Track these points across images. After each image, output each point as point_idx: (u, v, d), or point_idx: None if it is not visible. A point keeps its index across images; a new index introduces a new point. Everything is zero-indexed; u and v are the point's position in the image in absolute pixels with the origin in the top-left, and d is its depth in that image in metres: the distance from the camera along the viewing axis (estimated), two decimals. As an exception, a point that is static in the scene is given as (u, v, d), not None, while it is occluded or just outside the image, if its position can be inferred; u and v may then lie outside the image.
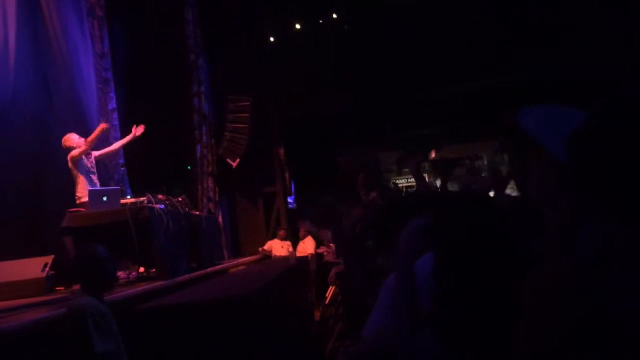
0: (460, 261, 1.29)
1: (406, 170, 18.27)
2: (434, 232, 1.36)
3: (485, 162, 16.90)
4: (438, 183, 16.69)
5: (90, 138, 5.82)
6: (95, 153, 6.01)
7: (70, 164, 5.71)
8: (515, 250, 1.33)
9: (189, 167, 9.90)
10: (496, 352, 1.23)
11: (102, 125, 6.00)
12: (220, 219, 9.51)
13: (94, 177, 5.86)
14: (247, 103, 10.42)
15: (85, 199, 5.45)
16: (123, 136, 6.78)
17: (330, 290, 7.79)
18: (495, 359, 1.24)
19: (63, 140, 5.80)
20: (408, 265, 1.29)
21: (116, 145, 6.41)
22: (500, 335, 1.22)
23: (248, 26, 10.95)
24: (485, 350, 1.24)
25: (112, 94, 7.71)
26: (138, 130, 6.28)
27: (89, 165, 5.83)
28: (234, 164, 10.33)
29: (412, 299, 1.28)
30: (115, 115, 7.64)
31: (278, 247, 10.18)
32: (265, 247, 10.24)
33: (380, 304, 1.46)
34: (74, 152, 5.69)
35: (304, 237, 10.31)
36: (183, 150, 9.74)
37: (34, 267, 4.63)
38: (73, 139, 5.78)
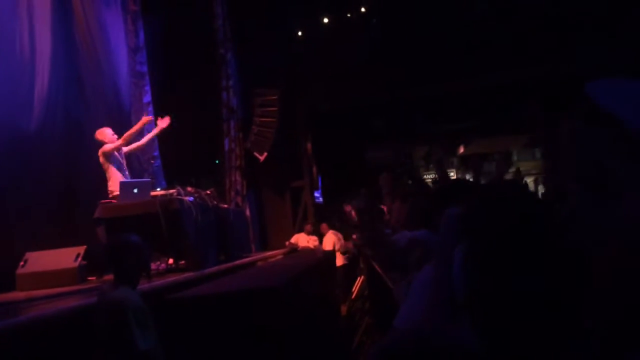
0: (490, 252, 1.24)
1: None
2: (465, 221, 1.32)
3: (515, 157, 16.64)
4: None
5: (129, 132, 5.77)
6: (125, 148, 5.89)
7: (101, 159, 5.62)
8: (549, 241, 1.28)
9: (217, 161, 9.98)
10: (532, 345, 1.19)
11: (145, 119, 6.00)
12: (247, 213, 9.56)
13: (126, 171, 5.82)
14: (275, 97, 10.44)
15: (118, 192, 5.50)
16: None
17: (357, 285, 7.79)
18: (531, 351, 1.21)
19: (96, 133, 5.74)
20: (445, 254, 1.26)
21: (145, 139, 6.28)
22: (534, 327, 1.19)
23: (276, 20, 10.97)
24: (521, 342, 1.21)
25: (148, 88, 7.80)
26: (163, 123, 6.13)
27: (120, 159, 5.77)
28: (262, 158, 10.37)
29: (448, 288, 1.25)
30: (150, 108, 7.75)
31: (304, 242, 10.21)
32: (292, 240, 10.29)
33: (414, 294, 1.43)
34: (107, 147, 5.61)
35: (326, 233, 10.35)
36: (211, 143, 9.82)
37: (67, 258, 4.72)
38: (106, 134, 5.71)
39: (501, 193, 1.31)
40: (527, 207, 1.27)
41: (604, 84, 1.14)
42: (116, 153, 5.73)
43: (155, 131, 6.26)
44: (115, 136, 5.75)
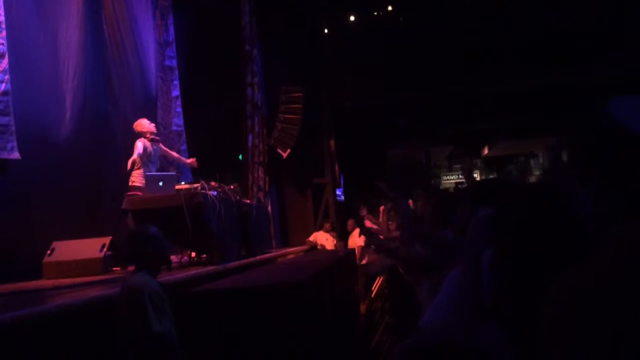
0: (521, 254, 1.23)
1: (457, 166, 17.99)
2: (497, 224, 1.31)
3: (541, 159, 16.41)
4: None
5: (168, 154, 6.31)
6: (163, 147, 6.21)
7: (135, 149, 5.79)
8: (579, 245, 1.27)
9: (240, 157, 10.02)
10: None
11: (190, 162, 6.51)
12: (269, 209, 9.59)
13: (154, 166, 5.97)
14: (300, 94, 10.44)
15: (137, 183, 5.61)
16: (186, 122, 7.38)
17: (377, 284, 7.75)
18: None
19: (135, 125, 6.00)
20: (474, 256, 1.25)
21: (176, 156, 6.64)
22: (562, 332, 1.17)
23: (303, 18, 10.97)
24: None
25: (177, 82, 7.89)
26: (192, 162, 6.56)
27: (152, 154, 5.94)
28: (285, 155, 10.38)
29: (477, 290, 1.24)
30: (179, 102, 7.83)
31: (322, 240, 10.20)
32: (311, 238, 10.29)
33: (442, 295, 1.42)
34: (144, 143, 5.83)
35: (353, 230, 10.31)
36: (235, 139, 9.87)
37: (92, 248, 4.80)
38: (144, 124, 5.97)
39: (536, 198, 1.29)
40: (561, 213, 1.26)
41: (624, 100, 1.14)
42: (149, 149, 5.89)
43: (186, 162, 6.65)
44: (153, 124, 6.06)
